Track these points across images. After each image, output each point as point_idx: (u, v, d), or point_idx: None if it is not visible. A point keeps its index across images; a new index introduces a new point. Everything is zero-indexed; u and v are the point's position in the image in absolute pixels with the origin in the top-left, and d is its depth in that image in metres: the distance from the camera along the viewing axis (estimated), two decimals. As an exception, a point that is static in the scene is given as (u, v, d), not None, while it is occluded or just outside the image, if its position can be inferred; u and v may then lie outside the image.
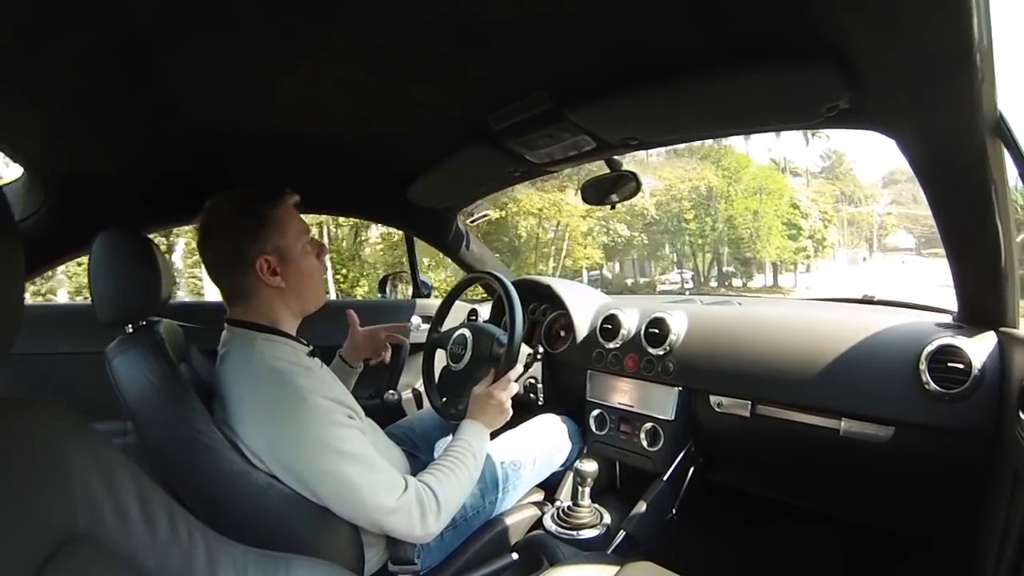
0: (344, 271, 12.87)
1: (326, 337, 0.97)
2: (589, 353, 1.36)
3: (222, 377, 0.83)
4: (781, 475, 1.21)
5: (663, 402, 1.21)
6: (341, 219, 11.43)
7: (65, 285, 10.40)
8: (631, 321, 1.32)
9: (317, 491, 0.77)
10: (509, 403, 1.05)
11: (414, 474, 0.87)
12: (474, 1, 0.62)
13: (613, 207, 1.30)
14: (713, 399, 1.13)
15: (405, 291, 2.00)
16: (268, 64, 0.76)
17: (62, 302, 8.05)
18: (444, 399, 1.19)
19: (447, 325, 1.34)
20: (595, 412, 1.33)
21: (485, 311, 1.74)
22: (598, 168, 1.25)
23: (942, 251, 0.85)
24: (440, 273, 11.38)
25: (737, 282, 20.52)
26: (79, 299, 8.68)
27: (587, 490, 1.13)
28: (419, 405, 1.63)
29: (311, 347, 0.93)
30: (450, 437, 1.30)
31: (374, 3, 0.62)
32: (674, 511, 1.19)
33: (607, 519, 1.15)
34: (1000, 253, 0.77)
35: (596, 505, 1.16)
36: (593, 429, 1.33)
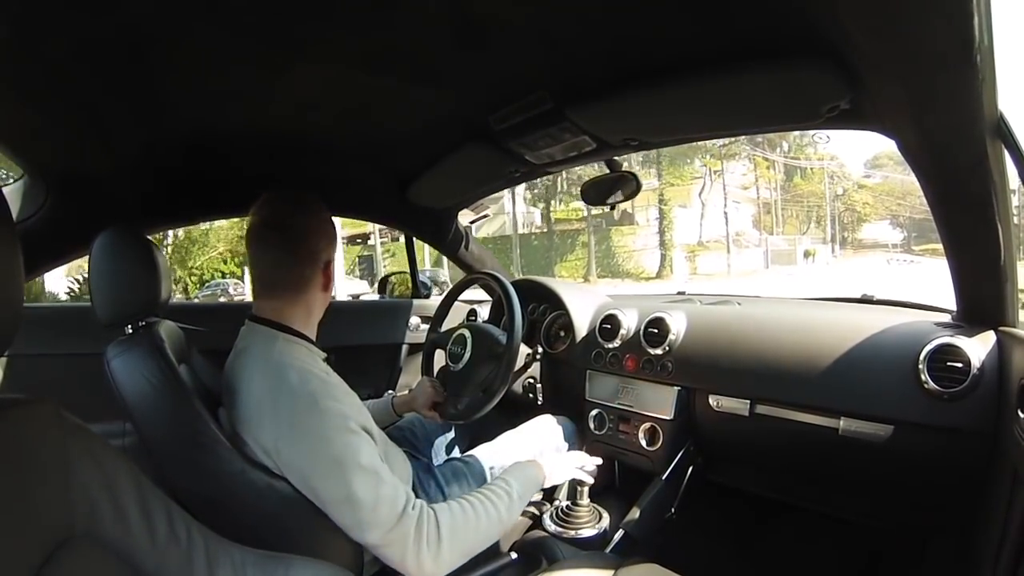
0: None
1: (325, 338, 0.97)
2: (588, 353, 1.36)
3: (237, 373, 0.82)
4: (780, 474, 1.21)
5: (662, 402, 1.21)
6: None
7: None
8: (630, 321, 1.32)
9: (320, 495, 0.74)
10: (585, 469, 1.11)
11: (416, 476, 0.85)
12: (474, 0, 0.62)
13: (613, 208, 1.30)
14: (712, 399, 1.13)
15: (404, 291, 2.00)
16: (268, 64, 0.76)
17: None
18: (443, 399, 1.19)
19: (446, 325, 1.34)
20: (594, 412, 1.33)
21: (484, 311, 1.74)
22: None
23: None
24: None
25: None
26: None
27: (586, 490, 1.13)
28: None
29: (326, 355, 0.91)
30: (451, 434, 1.30)
31: (374, 3, 0.62)
32: (673, 510, 1.19)
33: (606, 518, 1.15)
34: (1000, 253, 0.77)
35: (595, 504, 1.17)
36: (592, 429, 1.33)
